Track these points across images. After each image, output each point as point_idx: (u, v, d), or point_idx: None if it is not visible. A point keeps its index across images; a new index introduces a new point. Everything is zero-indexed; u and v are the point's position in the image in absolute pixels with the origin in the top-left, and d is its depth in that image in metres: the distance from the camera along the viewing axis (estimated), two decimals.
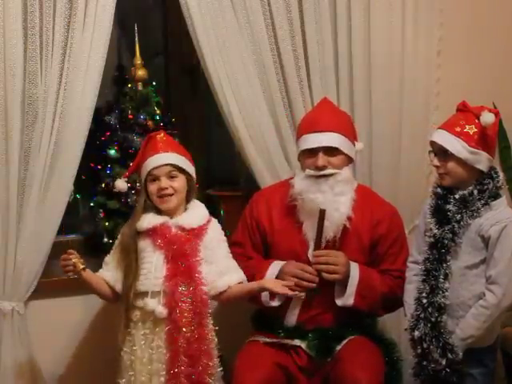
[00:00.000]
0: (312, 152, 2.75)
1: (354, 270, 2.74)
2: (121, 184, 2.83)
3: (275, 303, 2.78)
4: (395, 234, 2.84)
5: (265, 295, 2.75)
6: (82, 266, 2.62)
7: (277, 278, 2.74)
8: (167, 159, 2.68)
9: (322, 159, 2.72)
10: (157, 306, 2.61)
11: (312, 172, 2.74)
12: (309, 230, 2.77)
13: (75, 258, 2.60)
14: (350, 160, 2.80)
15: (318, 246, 2.74)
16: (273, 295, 2.76)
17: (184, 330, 2.59)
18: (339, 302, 2.74)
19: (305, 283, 2.71)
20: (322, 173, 2.73)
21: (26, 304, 2.92)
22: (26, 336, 2.90)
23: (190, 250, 2.65)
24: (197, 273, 2.64)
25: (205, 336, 2.63)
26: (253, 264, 2.83)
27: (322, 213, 2.69)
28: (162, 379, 2.61)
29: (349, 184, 2.77)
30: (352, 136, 2.82)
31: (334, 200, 2.72)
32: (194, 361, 2.60)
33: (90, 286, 2.70)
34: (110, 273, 2.72)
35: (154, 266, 2.64)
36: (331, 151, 2.74)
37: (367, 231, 2.80)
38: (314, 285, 2.72)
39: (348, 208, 2.74)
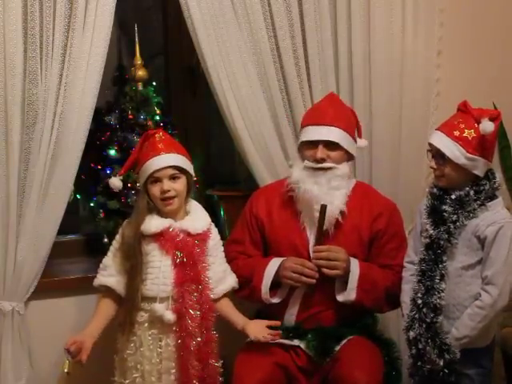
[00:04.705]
0: (312, 144, 2.77)
1: (355, 264, 2.74)
2: (116, 182, 2.80)
3: (275, 300, 2.78)
4: (394, 229, 2.85)
5: (265, 292, 2.76)
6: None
7: (277, 273, 2.75)
8: (170, 161, 2.66)
9: (321, 152, 2.74)
10: (165, 311, 2.61)
11: (310, 164, 2.76)
12: (306, 222, 2.78)
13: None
14: (349, 156, 2.81)
15: (318, 241, 2.74)
16: (273, 292, 2.77)
17: (194, 335, 2.60)
18: (340, 297, 2.74)
19: (304, 279, 2.71)
20: (320, 165, 2.75)
21: (26, 304, 2.91)
22: (26, 336, 2.89)
23: (197, 255, 2.65)
24: (205, 278, 2.65)
25: (212, 339, 2.65)
26: (252, 262, 2.83)
27: (323, 208, 2.70)
28: (173, 377, 2.62)
29: (345, 180, 2.78)
30: (354, 133, 2.84)
31: (328, 193, 2.73)
32: (204, 364, 2.63)
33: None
34: (113, 278, 2.70)
35: (161, 271, 2.63)
36: (331, 145, 2.75)
37: (367, 226, 2.81)
38: (314, 281, 2.71)
39: (342, 203, 2.75)
